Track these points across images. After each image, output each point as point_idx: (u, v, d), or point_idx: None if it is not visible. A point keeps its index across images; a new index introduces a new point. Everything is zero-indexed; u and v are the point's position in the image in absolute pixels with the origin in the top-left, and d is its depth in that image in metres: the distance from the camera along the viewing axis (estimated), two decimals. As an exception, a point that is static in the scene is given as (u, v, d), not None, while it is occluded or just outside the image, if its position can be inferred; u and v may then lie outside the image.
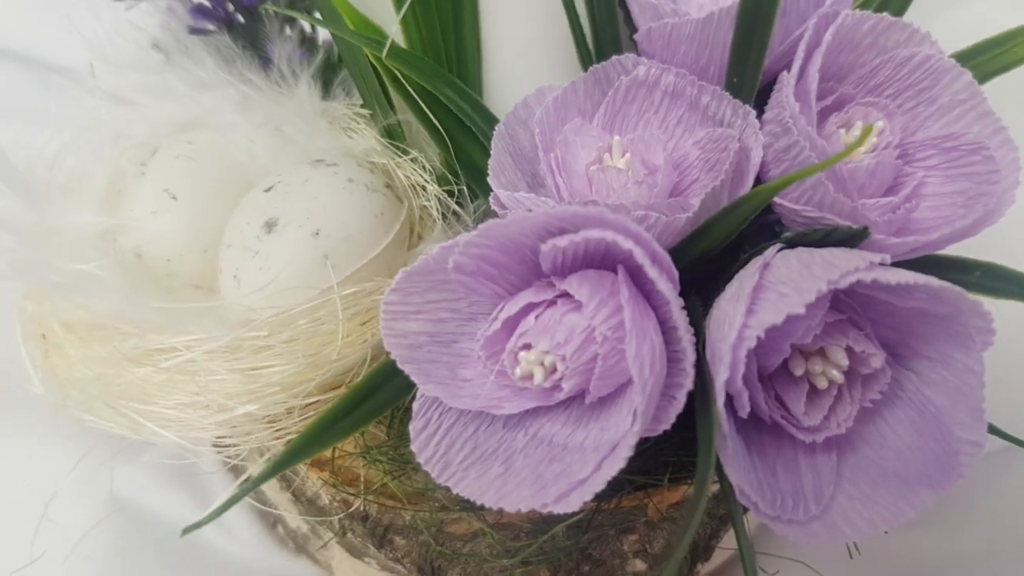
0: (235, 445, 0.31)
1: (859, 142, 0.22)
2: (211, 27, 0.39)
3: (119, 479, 0.43)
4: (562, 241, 0.26)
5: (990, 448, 0.36)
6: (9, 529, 0.39)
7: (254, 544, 0.44)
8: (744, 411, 0.27)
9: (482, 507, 0.28)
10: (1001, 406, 0.39)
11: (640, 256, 0.25)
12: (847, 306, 0.27)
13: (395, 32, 0.33)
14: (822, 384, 0.28)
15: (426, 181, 0.37)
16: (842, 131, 0.31)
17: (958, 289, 0.25)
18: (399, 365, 0.29)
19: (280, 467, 0.28)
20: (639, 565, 0.37)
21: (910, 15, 0.38)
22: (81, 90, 0.38)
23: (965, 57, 0.34)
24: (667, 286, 0.25)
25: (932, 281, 0.25)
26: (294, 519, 0.40)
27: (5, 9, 0.65)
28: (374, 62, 0.33)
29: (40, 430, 0.43)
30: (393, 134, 0.38)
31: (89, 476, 0.41)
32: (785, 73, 0.29)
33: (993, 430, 0.30)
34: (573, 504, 0.26)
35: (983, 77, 0.33)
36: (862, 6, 0.35)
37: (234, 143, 0.37)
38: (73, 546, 0.37)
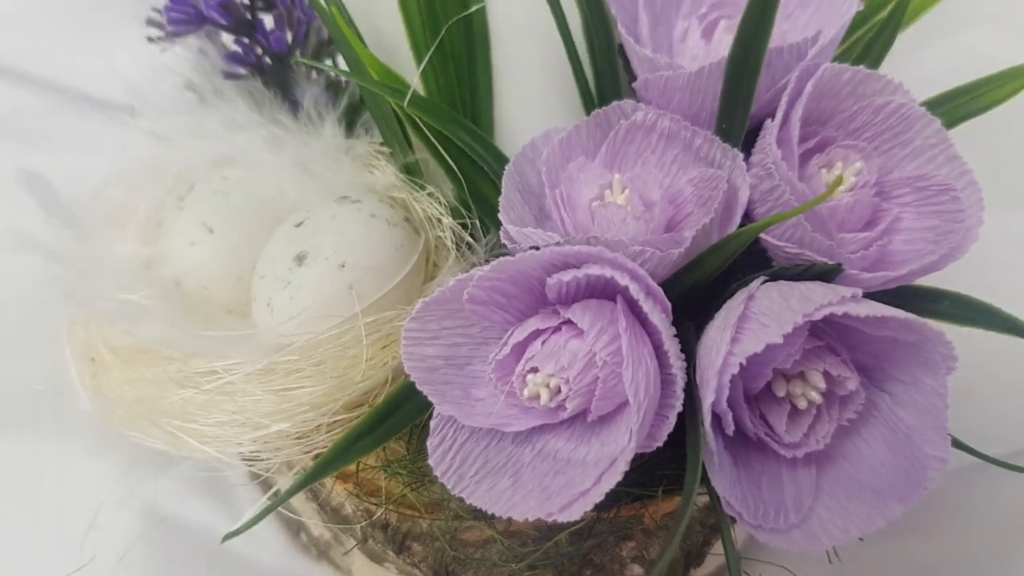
0: (266, 459, 0.33)
1: (830, 191, 0.24)
2: (243, 72, 0.41)
3: (152, 490, 0.44)
4: (566, 276, 0.29)
5: (961, 464, 0.37)
6: (54, 536, 0.40)
7: (279, 551, 0.45)
8: (729, 429, 0.28)
9: (493, 516, 0.30)
10: (974, 424, 0.41)
11: (635, 291, 0.27)
12: (825, 333, 0.29)
13: (416, 83, 0.34)
14: (802, 404, 0.29)
15: (441, 215, 0.38)
16: (824, 171, 0.32)
17: (923, 320, 0.27)
18: (418, 386, 0.30)
19: (310, 480, 0.30)
20: (636, 570, 0.39)
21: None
22: (122, 127, 0.40)
23: (936, 104, 0.36)
24: (660, 317, 0.27)
25: (898, 313, 0.26)
26: (317, 527, 0.42)
27: (42, 37, 0.67)
28: (395, 107, 0.35)
29: (84, 445, 0.45)
30: (411, 171, 0.39)
31: (124, 487, 0.44)
32: (769, 120, 0.31)
33: (961, 446, 0.31)
34: (576, 513, 0.28)
35: (953, 122, 0.35)
36: (842, 55, 0.37)
37: (265, 179, 0.39)
38: (115, 553, 0.38)
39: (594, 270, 0.28)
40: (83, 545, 0.35)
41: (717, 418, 0.28)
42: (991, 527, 0.44)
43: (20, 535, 0.43)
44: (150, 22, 0.43)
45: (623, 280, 0.27)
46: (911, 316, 0.26)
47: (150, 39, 0.43)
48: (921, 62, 0.61)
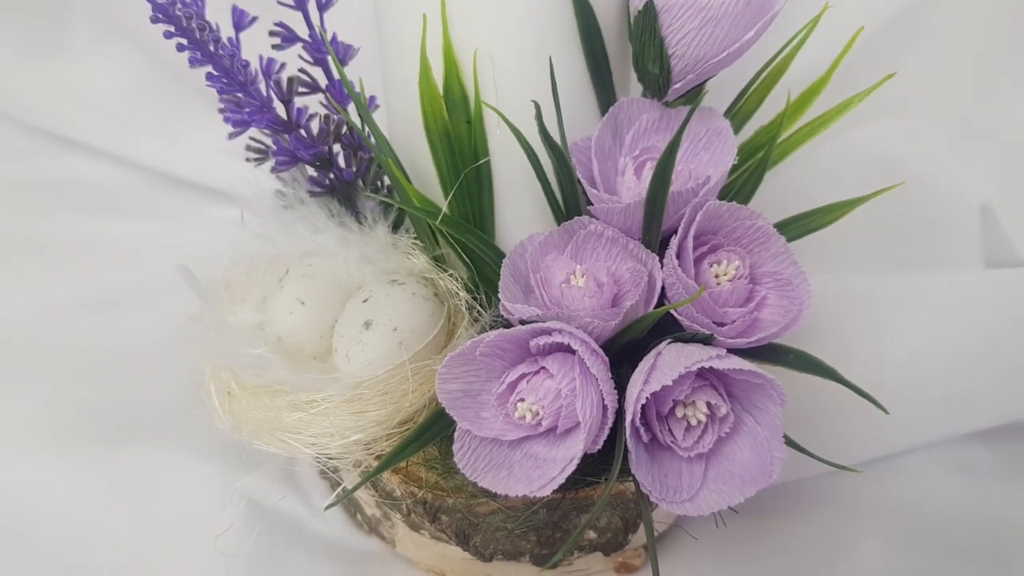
0: (345, 458, 0.40)
1: (697, 294, 0.34)
2: (320, 190, 0.47)
3: (246, 483, 0.50)
4: (542, 340, 0.36)
5: (820, 470, 0.43)
6: (189, 509, 0.49)
7: (339, 527, 0.50)
8: (646, 438, 0.36)
9: (495, 495, 0.35)
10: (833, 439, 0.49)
11: (583, 352, 0.35)
12: (708, 376, 0.36)
13: (444, 208, 0.41)
14: (694, 422, 0.36)
15: (459, 290, 0.43)
16: (714, 267, 0.38)
17: (762, 370, 0.34)
18: (446, 410, 0.36)
19: (379, 471, 0.37)
20: (592, 535, 0.44)
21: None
22: (236, 229, 0.47)
23: (785, 224, 0.42)
24: (599, 368, 0.35)
25: (747, 364, 0.34)
26: (369, 508, 0.47)
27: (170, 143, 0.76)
28: (428, 222, 0.41)
29: (203, 452, 0.51)
30: (438, 259, 0.45)
31: (233, 481, 0.51)
32: (673, 237, 0.38)
33: (806, 452, 0.38)
34: (547, 491, 0.35)
35: (798, 235, 0.42)
36: (727, 188, 0.43)
37: (338, 267, 0.44)
38: (224, 526, 0.45)
39: (558, 337, 0.36)
40: (220, 518, 0.43)
41: (637, 430, 0.35)
42: (839, 513, 0.50)
43: (165, 512, 0.49)
44: (249, 148, 0.50)
45: (575, 345, 0.35)
46: (755, 367, 0.34)
47: (248, 159, 0.50)
48: (822, 155, 0.69)
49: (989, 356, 0.56)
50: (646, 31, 0.38)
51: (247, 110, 0.41)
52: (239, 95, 0.41)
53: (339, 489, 0.41)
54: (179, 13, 0.37)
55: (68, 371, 0.58)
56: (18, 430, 0.54)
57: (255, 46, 0.46)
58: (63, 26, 0.83)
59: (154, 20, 0.37)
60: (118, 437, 0.54)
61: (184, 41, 0.38)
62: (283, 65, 0.47)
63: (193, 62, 0.40)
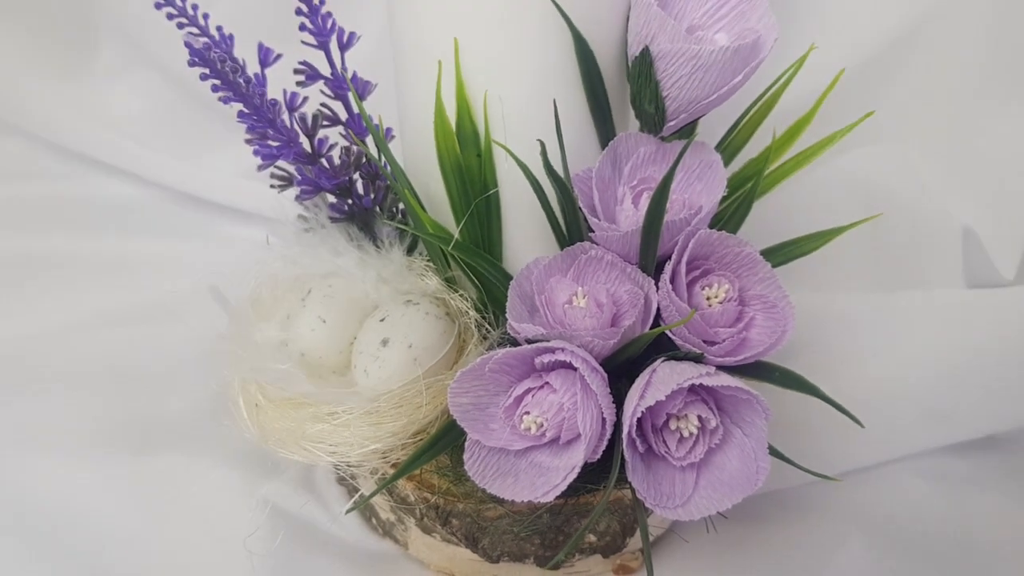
0: (363, 466, 0.42)
1: (684, 320, 0.37)
2: (340, 216, 0.49)
3: (268, 489, 0.51)
4: (546, 358, 0.38)
5: (804, 479, 0.45)
6: (215, 519, 0.50)
7: (355, 530, 0.51)
8: (642, 448, 0.38)
9: (503, 500, 0.37)
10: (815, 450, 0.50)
11: (583, 369, 0.37)
12: (700, 392, 0.38)
13: (456, 234, 0.43)
14: (686, 434, 0.38)
15: (468, 309, 0.45)
16: (705, 290, 0.40)
17: (748, 386, 0.37)
18: (457, 422, 0.38)
19: (395, 478, 0.39)
20: (592, 538, 0.45)
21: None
22: (263, 251, 0.49)
23: (771, 251, 0.44)
24: (598, 384, 0.37)
25: (734, 381, 0.36)
26: (384, 512, 0.48)
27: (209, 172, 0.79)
28: (441, 248, 0.43)
29: (227, 459, 0.53)
30: (449, 280, 0.47)
31: (256, 486, 0.53)
32: (668, 262, 0.39)
33: (789, 462, 0.39)
34: (551, 497, 0.36)
35: (784, 261, 0.44)
36: (718, 216, 0.45)
37: (357, 287, 0.46)
38: (250, 528, 0.47)
39: (561, 356, 0.38)
40: (245, 522, 0.45)
41: (633, 441, 0.37)
42: (823, 519, 0.51)
43: (192, 516, 0.51)
44: (273, 175, 0.52)
45: (576, 363, 0.37)
46: (742, 384, 0.37)
47: (272, 186, 0.52)
48: (810, 180, 0.71)
49: (969, 372, 0.57)
50: (643, 75, 0.41)
51: (275, 144, 0.44)
52: (268, 131, 0.44)
53: (357, 495, 0.43)
54: (213, 56, 0.40)
55: (100, 383, 0.60)
56: (52, 439, 0.55)
57: (278, 77, 0.48)
58: (91, 51, 0.86)
59: (191, 64, 0.40)
60: (148, 446, 0.55)
61: (218, 82, 0.41)
62: (305, 99, 0.50)
63: (226, 101, 0.43)
